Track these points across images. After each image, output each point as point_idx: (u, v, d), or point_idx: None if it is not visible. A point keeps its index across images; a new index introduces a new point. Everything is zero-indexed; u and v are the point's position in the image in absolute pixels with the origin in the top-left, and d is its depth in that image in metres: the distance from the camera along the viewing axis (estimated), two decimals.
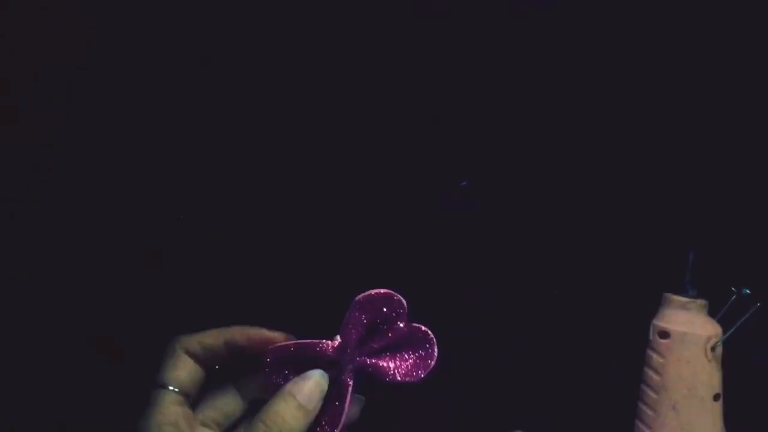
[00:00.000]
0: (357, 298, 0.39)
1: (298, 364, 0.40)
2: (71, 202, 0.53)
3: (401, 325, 0.40)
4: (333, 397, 0.40)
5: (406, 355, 0.40)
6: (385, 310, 0.39)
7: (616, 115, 0.56)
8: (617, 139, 0.56)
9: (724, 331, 0.50)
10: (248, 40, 0.55)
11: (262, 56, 0.55)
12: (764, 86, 0.55)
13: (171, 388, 0.39)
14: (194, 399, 0.40)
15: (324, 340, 0.40)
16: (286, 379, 0.40)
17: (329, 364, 0.40)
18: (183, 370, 0.40)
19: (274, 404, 0.38)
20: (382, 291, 0.39)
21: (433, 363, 0.39)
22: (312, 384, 0.39)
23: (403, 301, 0.39)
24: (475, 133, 0.57)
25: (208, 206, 0.54)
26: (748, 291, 0.50)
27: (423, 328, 0.40)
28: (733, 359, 0.50)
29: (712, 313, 0.51)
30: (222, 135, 0.55)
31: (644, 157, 0.57)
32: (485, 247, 0.57)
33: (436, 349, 0.40)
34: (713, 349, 0.48)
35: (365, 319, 0.39)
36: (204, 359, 0.40)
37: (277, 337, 0.40)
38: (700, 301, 0.51)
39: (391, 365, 0.40)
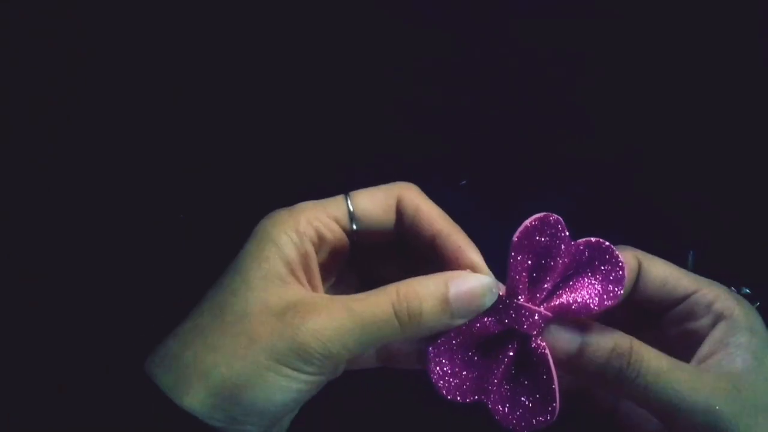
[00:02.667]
0: (514, 239, 0.31)
1: (467, 354, 0.33)
2: (71, 202, 0.53)
3: (564, 248, 0.32)
4: (532, 373, 0.32)
5: (587, 280, 0.33)
6: (543, 239, 0.32)
7: (616, 115, 0.56)
8: (617, 138, 0.57)
9: None
10: (249, 40, 0.55)
11: (263, 57, 0.55)
12: (764, 86, 0.55)
13: (349, 203, 0.33)
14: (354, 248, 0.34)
15: (482, 319, 0.32)
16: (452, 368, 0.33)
17: (505, 337, 0.33)
18: (379, 205, 0.34)
19: (419, 281, 0.31)
20: (535, 217, 0.32)
21: (624, 273, 0.32)
22: (473, 283, 0.31)
23: (560, 219, 0.32)
24: (474, 133, 0.57)
25: (208, 205, 0.54)
26: (748, 291, 0.51)
27: (593, 240, 0.33)
28: None
29: None
30: (221, 135, 0.55)
31: (644, 157, 0.57)
32: (485, 246, 0.57)
33: (619, 256, 0.32)
34: None
35: (524, 262, 0.32)
36: (405, 218, 0.33)
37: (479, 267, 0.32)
38: None
39: (578, 299, 0.32)
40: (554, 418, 0.32)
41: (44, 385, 0.32)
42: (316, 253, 0.33)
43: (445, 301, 0.31)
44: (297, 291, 0.31)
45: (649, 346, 0.33)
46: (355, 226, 0.34)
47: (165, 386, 0.30)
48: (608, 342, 0.32)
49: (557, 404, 0.32)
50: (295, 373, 0.29)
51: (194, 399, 0.29)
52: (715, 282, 0.36)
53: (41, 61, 0.53)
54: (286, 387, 0.30)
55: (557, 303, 0.32)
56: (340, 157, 0.55)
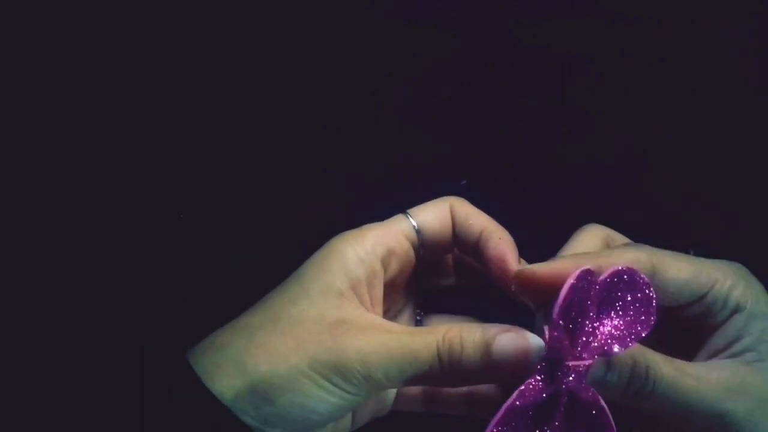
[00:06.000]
0: (556, 309, 0.29)
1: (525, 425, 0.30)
2: (71, 201, 0.53)
3: (594, 291, 0.31)
4: (584, 421, 0.31)
5: (620, 313, 0.31)
6: (582, 294, 0.30)
7: (616, 114, 0.56)
8: (617, 138, 0.57)
9: None
10: (249, 40, 0.55)
11: (261, 57, 0.55)
12: (764, 86, 0.55)
13: (413, 222, 0.35)
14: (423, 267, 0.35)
15: (529, 383, 0.30)
16: None
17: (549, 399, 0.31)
18: (436, 216, 0.35)
19: (467, 326, 0.31)
20: (576, 279, 0.29)
21: (654, 296, 0.30)
22: (519, 342, 0.30)
23: (591, 271, 0.30)
24: (474, 132, 0.57)
25: (208, 204, 0.54)
26: None
27: (619, 269, 0.31)
28: None
29: None
30: (221, 135, 0.55)
31: (644, 157, 0.57)
32: None
33: (646, 281, 0.31)
34: None
35: (567, 317, 0.30)
36: (457, 226, 0.35)
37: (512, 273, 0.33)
38: None
39: (614, 335, 0.30)
40: None
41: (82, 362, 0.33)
42: (385, 270, 0.34)
43: (487, 352, 0.30)
44: (354, 309, 0.32)
45: (654, 350, 0.32)
46: (420, 241, 0.35)
47: (202, 372, 0.30)
48: (629, 361, 0.31)
49: None
50: (332, 387, 0.30)
51: (229, 388, 0.30)
52: (731, 264, 0.35)
53: (41, 61, 0.53)
54: (321, 398, 0.30)
55: (596, 346, 0.31)
56: (339, 157, 0.56)
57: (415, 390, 0.37)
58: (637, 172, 0.56)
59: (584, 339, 0.31)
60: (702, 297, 0.34)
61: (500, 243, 0.34)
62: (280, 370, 0.30)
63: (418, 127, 0.56)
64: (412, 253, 0.35)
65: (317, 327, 0.30)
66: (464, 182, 0.56)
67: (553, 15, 0.55)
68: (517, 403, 0.30)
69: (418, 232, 0.35)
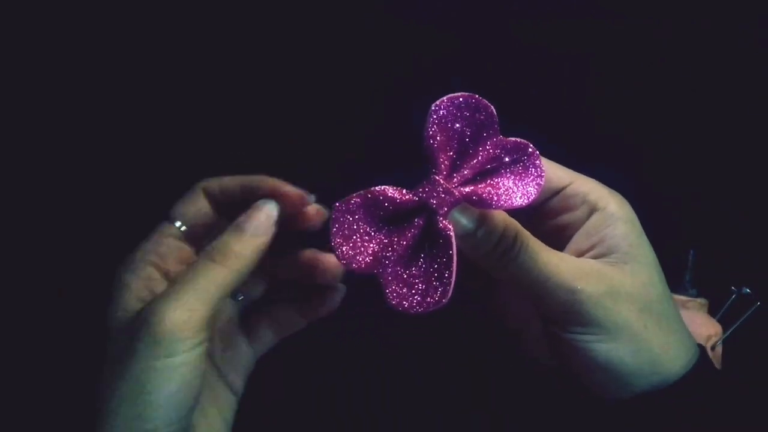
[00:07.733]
0: (434, 106, 0.32)
1: (373, 222, 0.32)
2: (70, 201, 0.53)
3: (492, 140, 0.32)
4: (432, 253, 0.32)
5: (505, 177, 0.32)
6: (469, 119, 0.32)
7: (617, 113, 0.56)
8: (617, 137, 0.56)
9: (724, 331, 0.50)
10: (249, 41, 0.55)
11: (260, 57, 0.55)
12: (764, 86, 0.55)
13: (176, 223, 0.37)
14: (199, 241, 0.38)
15: (395, 188, 0.32)
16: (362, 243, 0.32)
17: (413, 212, 0.32)
18: (192, 206, 0.38)
19: (221, 237, 0.35)
20: (462, 95, 0.32)
21: (542, 182, 0.32)
22: (263, 215, 0.35)
23: (492, 108, 0.32)
24: None
25: None
26: (748, 290, 0.51)
27: (521, 141, 0.33)
28: (733, 358, 0.50)
29: (712, 312, 0.51)
30: (221, 135, 0.55)
31: (644, 156, 0.57)
32: None
33: (542, 164, 0.32)
34: (713, 348, 0.48)
35: (449, 138, 0.32)
36: (220, 200, 0.38)
37: (294, 195, 0.37)
38: (700, 300, 0.51)
39: (491, 191, 0.32)
40: (445, 302, 0.31)
41: None
42: (160, 270, 0.36)
43: (241, 228, 0.35)
44: (146, 301, 0.34)
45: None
46: (183, 228, 0.38)
47: None
48: (501, 222, 0.33)
49: (451, 288, 0.31)
50: (178, 359, 0.32)
51: None
52: (589, 177, 0.37)
53: (39, 61, 0.53)
54: (169, 377, 0.32)
55: (470, 190, 0.32)
56: (338, 157, 0.56)
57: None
58: (637, 172, 0.56)
59: (462, 178, 0.32)
60: (559, 191, 0.36)
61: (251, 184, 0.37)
62: (131, 393, 0.31)
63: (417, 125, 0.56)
64: (185, 244, 0.38)
65: (131, 339, 0.32)
66: None
67: (553, 15, 0.55)
68: (377, 191, 0.32)
69: (181, 226, 0.37)
